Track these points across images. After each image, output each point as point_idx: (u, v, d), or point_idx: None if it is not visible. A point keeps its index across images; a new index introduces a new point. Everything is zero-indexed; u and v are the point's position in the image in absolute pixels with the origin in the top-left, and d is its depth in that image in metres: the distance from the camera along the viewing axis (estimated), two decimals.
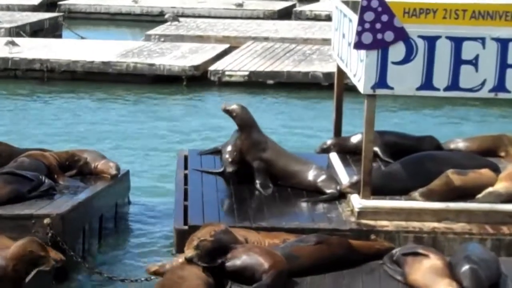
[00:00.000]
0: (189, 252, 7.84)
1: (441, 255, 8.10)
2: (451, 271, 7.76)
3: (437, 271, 7.79)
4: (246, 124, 10.45)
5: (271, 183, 10.35)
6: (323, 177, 10.15)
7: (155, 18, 25.95)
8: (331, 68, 16.11)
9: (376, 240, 8.71)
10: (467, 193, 9.45)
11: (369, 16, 8.84)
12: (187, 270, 7.82)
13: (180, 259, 8.14)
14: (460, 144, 11.34)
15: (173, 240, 9.36)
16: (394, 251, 8.32)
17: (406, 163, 10.01)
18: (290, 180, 10.34)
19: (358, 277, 8.21)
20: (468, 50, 9.05)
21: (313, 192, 10.05)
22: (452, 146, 11.34)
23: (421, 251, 8.07)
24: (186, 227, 9.12)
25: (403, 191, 9.61)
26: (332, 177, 10.18)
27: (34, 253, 8.15)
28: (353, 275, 8.25)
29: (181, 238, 8.95)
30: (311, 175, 10.24)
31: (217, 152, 11.21)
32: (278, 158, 10.44)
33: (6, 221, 9.09)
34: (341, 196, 9.81)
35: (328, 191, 9.95)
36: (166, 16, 24.96)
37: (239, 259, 7.87)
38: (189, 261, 7.79)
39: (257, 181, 10.29)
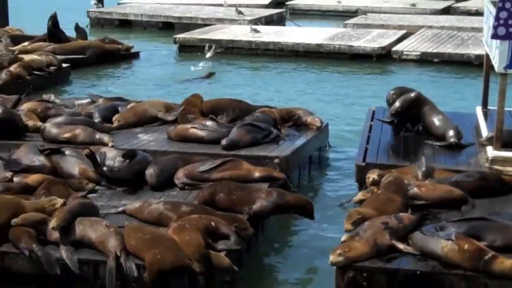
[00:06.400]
0: (348, 226, 7.40)
1: None
2: None
3: None
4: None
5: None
6: (451, 130, 9.96)
7: (353, 14, 25.83)
8: (481, 51, 15.72)
9: None
10: None
11: (503, 14, 8.72)
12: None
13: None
14: None
15: (354, 173, 9.46)
16: None
17: None
18: (432, 130, 10.21)
19: (509, 203, 8.14)
20: None
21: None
22: None
23: None
24: (363, 164, 9.18)
25: None
26: (459, 131, 9.96)
27: None
28: (505, 201, 8.19)
29: (360, 172, 9.07)
30: (443, 128, 10.06)
31: None
32: (430, 113, 10.27)
33: (248, 160, 9.20)
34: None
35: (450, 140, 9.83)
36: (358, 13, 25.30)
37: None
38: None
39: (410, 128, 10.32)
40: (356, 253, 6.75)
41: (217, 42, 19.70)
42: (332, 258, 6.76)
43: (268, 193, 8.06)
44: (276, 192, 8.11)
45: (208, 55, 18.76)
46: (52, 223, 7.13)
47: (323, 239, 8.44)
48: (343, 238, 7.10)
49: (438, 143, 9.88)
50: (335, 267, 6.80)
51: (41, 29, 18.81)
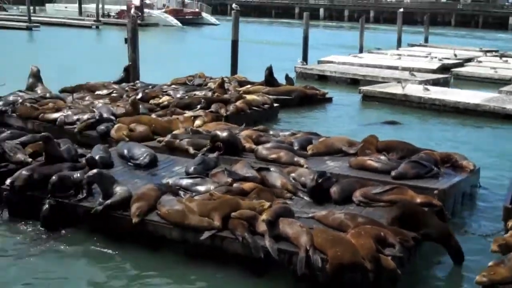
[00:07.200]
0: (494, 248, 7.24)
1: None
2: None
3: None
4: None
5: None
6: None
7: (507, 82, 24.26)
8: None
9: None
10: None
11: None
12: None
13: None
14: None
15: (502, 213, 8.87)
16: None
17: None
18: None
19: None
20: None
21: None
22: None
23: None
24: (510, 206, 8.61)
25: None
26: None
27: None
28: None
29: (507, 213, 8.49)
30: None
31: None
32: None
33: (411, 188, 8.89)
34: None
35: None
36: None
37: None
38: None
39: None
40: (499, 277, 6.54)
41: (394, 95, 19.49)
42: (478, 278, 6.62)
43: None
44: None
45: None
46: (263, 216, 7.47)
47: (470, 262, 8.08)
48: (490, 263, 6.82)
49: None
50: (480, 286, 6.61)
51: (260, 77, 19.61)
